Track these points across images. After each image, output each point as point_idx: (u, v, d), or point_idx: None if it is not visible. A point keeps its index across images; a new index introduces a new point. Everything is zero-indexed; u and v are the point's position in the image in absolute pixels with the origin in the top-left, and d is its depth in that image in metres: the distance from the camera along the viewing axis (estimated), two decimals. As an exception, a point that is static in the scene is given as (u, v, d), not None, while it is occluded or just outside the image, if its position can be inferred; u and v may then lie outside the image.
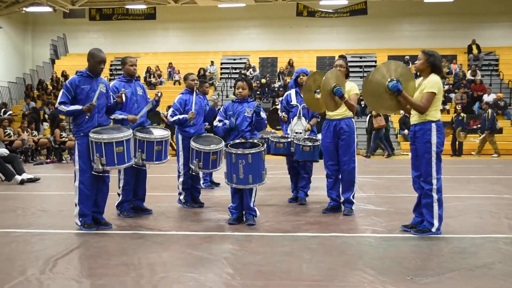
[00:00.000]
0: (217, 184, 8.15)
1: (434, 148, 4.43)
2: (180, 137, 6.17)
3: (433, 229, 4.47)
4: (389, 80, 4.41)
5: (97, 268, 3.62)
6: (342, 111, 5.45)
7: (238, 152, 4.87)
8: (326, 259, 3.79)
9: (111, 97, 5.06)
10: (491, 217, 5.41)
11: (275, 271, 3.49)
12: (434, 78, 4.44)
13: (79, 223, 4.79)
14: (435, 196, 4.44)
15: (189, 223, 5.22)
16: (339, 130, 5.49)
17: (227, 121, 5.26)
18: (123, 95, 5.05)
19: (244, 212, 5.16)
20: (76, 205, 4.80)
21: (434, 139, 4.43)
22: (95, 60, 4.81)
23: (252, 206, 5.07)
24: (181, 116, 6.01)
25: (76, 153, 4.79)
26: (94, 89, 4.79)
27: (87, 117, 4.74)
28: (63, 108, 4.74)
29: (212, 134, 5.98)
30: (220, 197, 7.01)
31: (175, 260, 3.80)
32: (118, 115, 5.32)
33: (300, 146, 5.92)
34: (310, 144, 5.92)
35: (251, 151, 4.85)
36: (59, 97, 4.79)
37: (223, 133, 5.36)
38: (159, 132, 5.47)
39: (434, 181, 4.44)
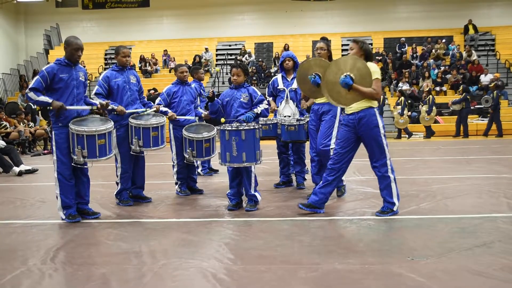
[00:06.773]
0: (216, 171, 8.15)
1: (382, 131, 4.54)
2: (171, 126, 6.16)
3: (395, 208, 4.56)
4: (341, 76, 4.40)
5: (98, 257, 3.63)
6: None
7: (232, 128, 4.84)
8: (326, 242, 3.80)
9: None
10: (490, 197, 5.42)
11: (276, 255, 3.50)
12: (373, 65, 4.53)
13: (64, 216, 4.73)
14: (391, 176, 4.55)
15: (188, 210, 5.23)
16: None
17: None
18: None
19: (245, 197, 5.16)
20: (57, 197, 4.73)
21: (380, 123, 4.55)
22: (72, 47, 4.67)
23: (252, 192, 5.07)
24: (164, 109, 5.96)
25: (54, 143, 4.70)
26: (73, 77, 4.70)
27: (50, 108, 4.51)
28: (33, 95, 4.53)
29: (204, 123, 5.92)
30: (219, 183, 7.01)
31: (176, 247, 3.81)
32: (112, 105, 5.27)
33: (286, 126, 5.89)
34: (295, 123, 5.89)
35: (245, 128, 4.83)
36: (33, 82, 4.59)
37: (216, 109, 5.33)
38: (154, 118, 5.47)
39: (389, 162, 4.55)
